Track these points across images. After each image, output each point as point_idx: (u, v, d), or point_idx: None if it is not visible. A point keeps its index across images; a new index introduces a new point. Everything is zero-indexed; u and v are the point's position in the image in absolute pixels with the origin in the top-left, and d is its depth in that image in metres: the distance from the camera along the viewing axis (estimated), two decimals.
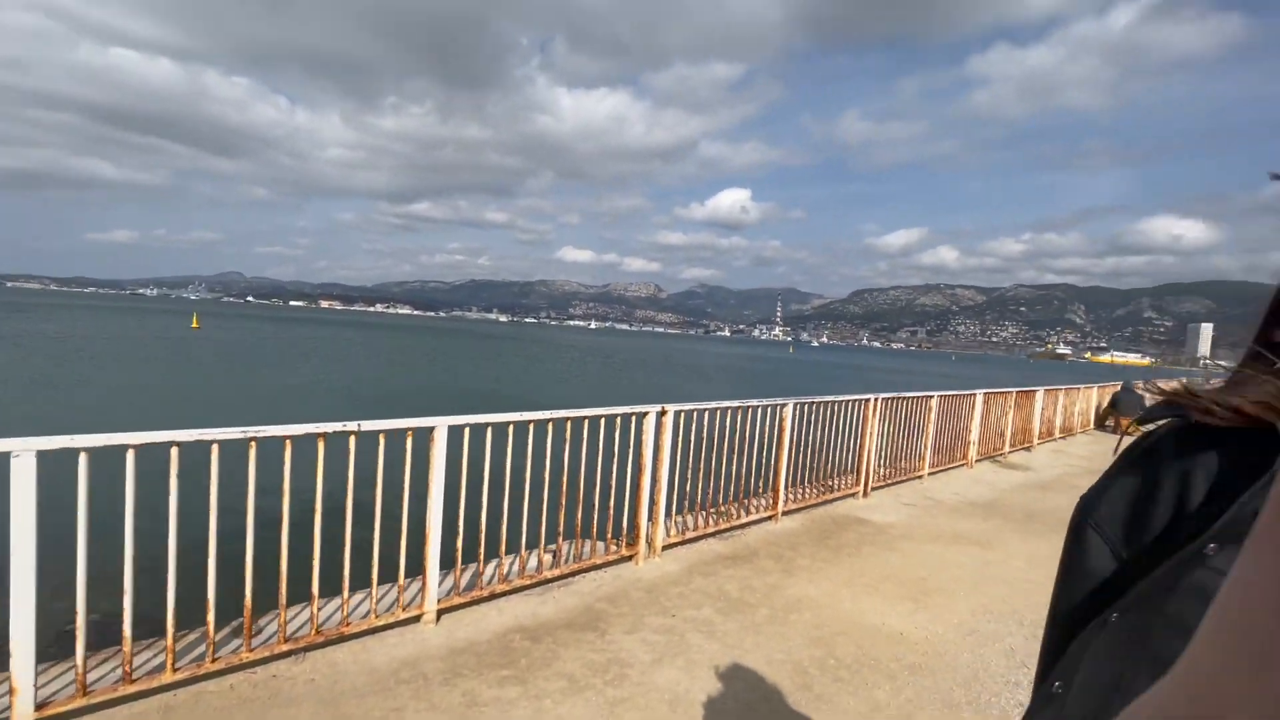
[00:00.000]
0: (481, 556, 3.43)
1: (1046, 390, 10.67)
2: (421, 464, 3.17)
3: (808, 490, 5.82)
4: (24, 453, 2.23)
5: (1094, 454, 10.23)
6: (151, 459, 2.48)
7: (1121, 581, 0.50)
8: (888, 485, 6.69)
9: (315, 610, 2.90)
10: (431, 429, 3.16)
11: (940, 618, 3.59)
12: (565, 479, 3.77)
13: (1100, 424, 13.57)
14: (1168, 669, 0.46)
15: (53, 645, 2.70)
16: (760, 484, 5.28)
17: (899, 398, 6.73)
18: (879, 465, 6.57)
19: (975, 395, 8.23)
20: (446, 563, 3.43)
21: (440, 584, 3.38)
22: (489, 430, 3.37)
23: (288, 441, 2.75)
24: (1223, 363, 0.56)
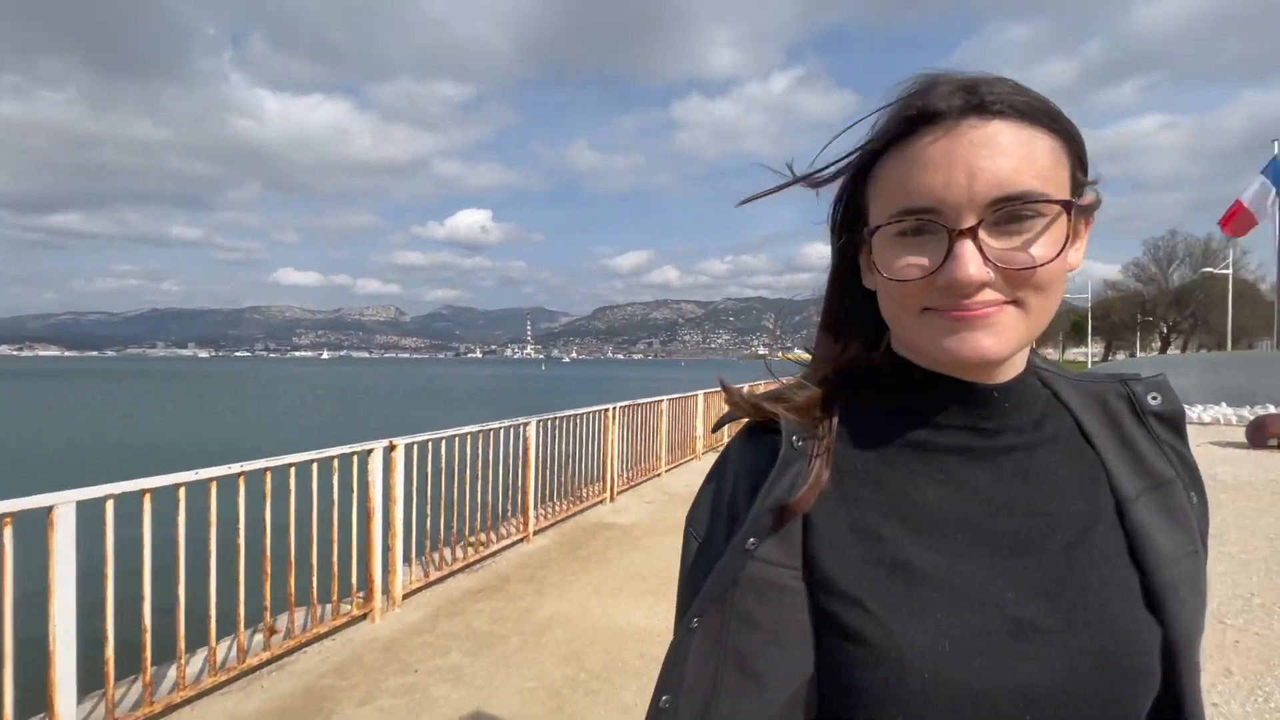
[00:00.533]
0: (147, 663, 2.68)
1: (750, 385, 12.57)
2: (37, 558, 2.35)
3: (558, 504, 5.87)
4: None
5: None
6: None
7: (704, 575, 0.51)
8: (632, 487, 7.12)
9: None
10: (49, 509, 2.36)
11: None
12: (269, 542, 3.17)
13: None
14: (748, 665, 0.47)
15: None
16: (510, 506, 5.16)
17: (635, 404, 7.23)
18: (623, 469, 6.95)
19: (697, 395, 9.28)
20: (94, 684, 2.60)
21: (87, 715, 2.55)
22: (146, 499, 2.65)
23: None
24: (789, 362, 0.64)
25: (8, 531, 2.25)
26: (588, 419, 6.25)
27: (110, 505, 2.53)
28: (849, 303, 0.57)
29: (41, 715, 2.45)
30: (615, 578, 4.35)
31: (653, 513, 6.22)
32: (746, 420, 0.57)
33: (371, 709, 2.80)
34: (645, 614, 3.74)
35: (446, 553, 4.43)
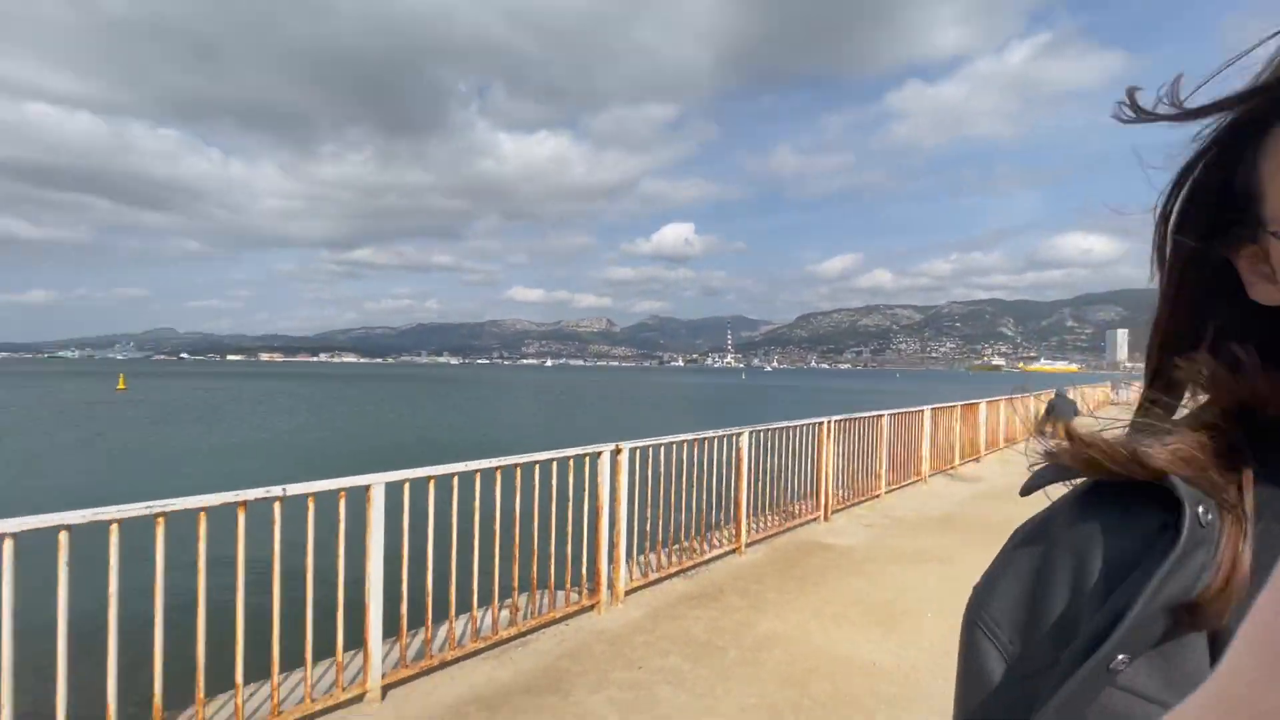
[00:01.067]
0: (429, 621, 3.18)
1: (988, 402, 11.05)
2: (358, 526, 2.93)
3: (770, 519, 5.74)
4: None
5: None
6: (38, 544, 2.19)
7: (1021, 700, 0.36)
8: (847, 507, 6.69)
9: (240, 701, 2.59)
10: (367, 487, 2.93)
11: (911, 642, 3.52)
12: (518, 529, 3.57)
13: (1040, 431, 14.13)
14: None
15: None
16: (722, 516, 5.17)
17: (851, 418, 6.80)
18: (837, 487, 6.57)
19: (924, 411, 8.41)
20: (390, 631, 3.16)
21: (385, 656, 3.10)
22: (430, 484, 3.16)
23: (202, 514, 2.49)
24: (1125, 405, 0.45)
25: (342, 503, 2.83)
26: (801, 432, 6.02)
27: (406, 487, 3.06)
28: (1221, 321, 0.40)
29: (358, 650, 3.04)
30: (836, 602, 4.10)
31: (873, 537, 5.76)
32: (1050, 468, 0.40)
33: (601, 697, 2.98)
34: (874, 647, 3.45)
35: (662, 556, 4.58)
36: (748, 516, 5.31)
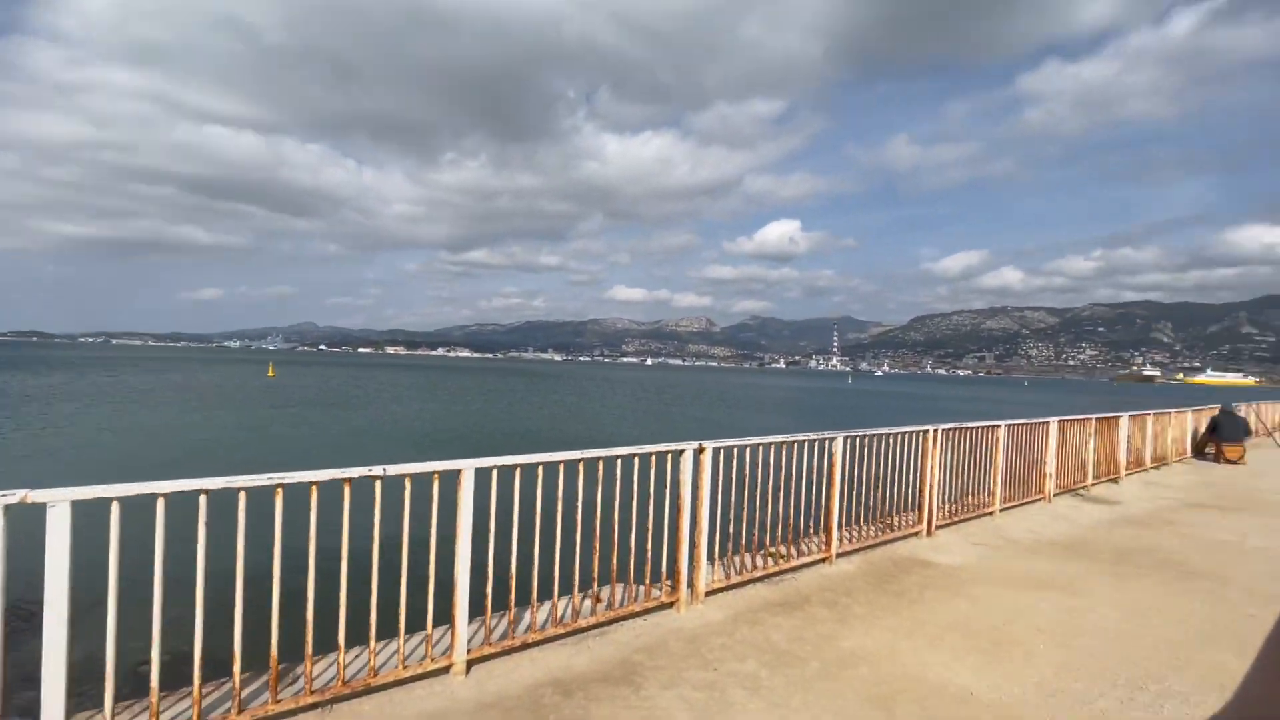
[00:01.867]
0: (512, 604, 3.31)
1: (1132, 416, 9.83)
2: (449, 508, 3.10)
3: (865, 529, 5.45)
4: (59, 503, 2.28)
5: (1191, 484, 9.28)
6: (182, 506, 2.51)
7: None
8: (954, 523, 6.21)
9: (342, 661, 2.83)
10: (458, 472, 3.10)
11: (1016, 675, 3.20)
12: (599, 521, 3.62)
13: (1199, 452, 12.38)
14: None
15: (81, 695, 2.70)
16: (811, 524, 4.98)
17: (962, 428, 6.30)
18: (944, 501, 6.12)
19: (1049, 423, 7.63)
20: (477, 610, 3.32)
21: (471, 634, 3.26)
22: (517, 472, 3.28)
23: (314, 487, 2.74)
24: None
25: (435, 485, 3.01)
26: (903, 440, 5.66)
27: (495, 474, 3.20)
28: None
29: (446, 627, 3.22)
30: (933, 624, 3.81)
31: (982, 557, 5.31)
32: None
33: (674, 694, 2.96)
34: (972, 675, 3.17)
35: (746, 559, 4.48)
36: (840, 526, 5.07)
